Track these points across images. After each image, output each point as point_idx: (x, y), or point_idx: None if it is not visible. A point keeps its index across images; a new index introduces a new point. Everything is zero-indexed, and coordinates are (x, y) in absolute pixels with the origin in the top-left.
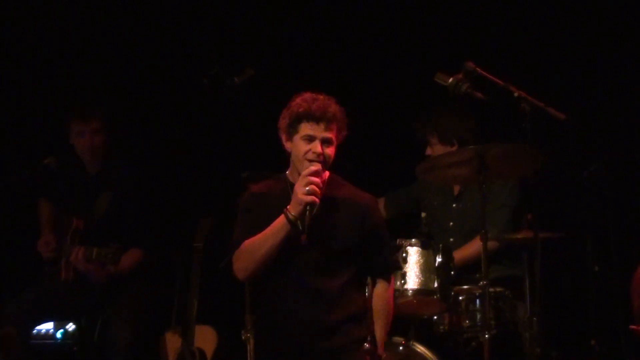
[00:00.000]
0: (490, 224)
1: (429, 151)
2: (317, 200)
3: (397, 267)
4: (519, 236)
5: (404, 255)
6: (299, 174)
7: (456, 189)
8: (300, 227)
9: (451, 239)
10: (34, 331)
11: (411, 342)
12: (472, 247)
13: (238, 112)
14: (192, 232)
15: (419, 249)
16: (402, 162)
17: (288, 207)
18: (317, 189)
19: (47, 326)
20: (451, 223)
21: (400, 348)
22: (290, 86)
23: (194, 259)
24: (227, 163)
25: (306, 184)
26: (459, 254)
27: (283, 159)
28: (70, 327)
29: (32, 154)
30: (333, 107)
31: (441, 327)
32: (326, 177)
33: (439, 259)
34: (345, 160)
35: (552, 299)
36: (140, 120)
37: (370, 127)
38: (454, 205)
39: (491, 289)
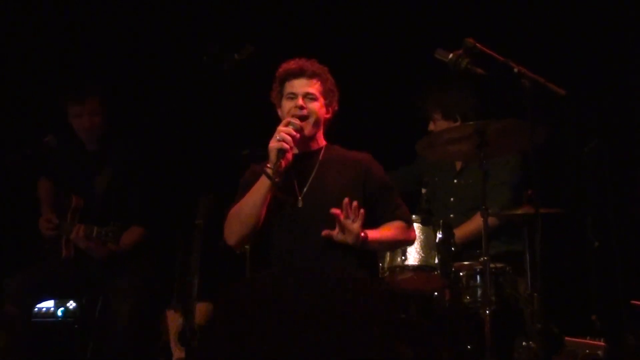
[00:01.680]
0: (491, 200)
1: (431, 127)
2: (285, 146)
3: (409, 218)
4: (519, 212)
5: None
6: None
7: (458, 164)
8: (273, 177)
9: (451, 215)
10: (35, 309)
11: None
12: (473, 224)
13: (238, 89)
14: (193, 209)
15: (420, 225)
16: (402, 139)
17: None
18: (286, 136)
19: (48, 304)
20: (452, 199)
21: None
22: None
23: (194, 236)
24: (228, 140)
25: (277, 132)
26: (460, 231)
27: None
28: (71, 305)
29: (32, 133)
30: (312, 64)
31: (442, 303)
32: (309, 130)
33: (439, 235)
34: (346, 137)
35: (553, 275)
36: (140, 98)
37: (371, 104)
38: (455, 181)
39: (492, 265)
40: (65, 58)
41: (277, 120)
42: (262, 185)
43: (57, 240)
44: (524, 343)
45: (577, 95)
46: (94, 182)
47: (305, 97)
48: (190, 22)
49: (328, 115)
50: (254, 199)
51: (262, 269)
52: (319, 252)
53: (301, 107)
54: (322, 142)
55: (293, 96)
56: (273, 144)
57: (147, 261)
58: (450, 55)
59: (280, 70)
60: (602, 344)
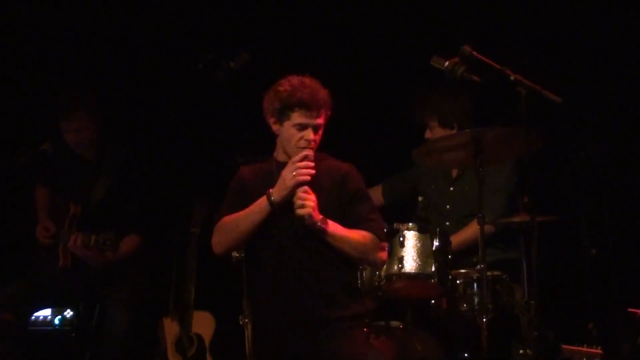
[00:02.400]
0: (487, 208)
1: (428, 134)
2: (307, 179)
3: (381, 234)
4: (516, 219)
5: (400, 239)
6: (287, 155)
7: (453, 172)
8: (276, 207)
9: (447, 223)
10: (32, 317)
11: (408, 326)
12: (468, 231)
13: (234, 96)
14: (189, 217)
15: (416, 232)
16: (398, 147)
17: (271, 189)
18: (305, 174)
19: (44, 312)
20: (447, 206)
21: (398, 332)
22: (285, 70)
23: (190, 244)
24: (223, 148)
25: (294, 169)
26: (456, 239)
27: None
28: (68, 313)
29: (28, 140)
30: (322, 93)
31: (438, 311)
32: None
33: (436, 243)
34: (342, 146)
35: (549, 282)
36: (137, 105)
37: (367, 112)
38: (450, 188)
39: (488, 273)
40: (61, 64)
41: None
42: (262, 210)
43: (55, 248)
44: (520, 351)
45: (573, 102)
46: (91, 190)
47: (314, 129)
48: (186, 30)
49: None
50: (252, 219)
51: (255, 278)
52: (302, 264)
53: (309, 141)
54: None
55: (302, 127)
56: (292, 180)
57: (143, 269)
58: (446, 63)
59: (291, 96)
60: (599, 351)
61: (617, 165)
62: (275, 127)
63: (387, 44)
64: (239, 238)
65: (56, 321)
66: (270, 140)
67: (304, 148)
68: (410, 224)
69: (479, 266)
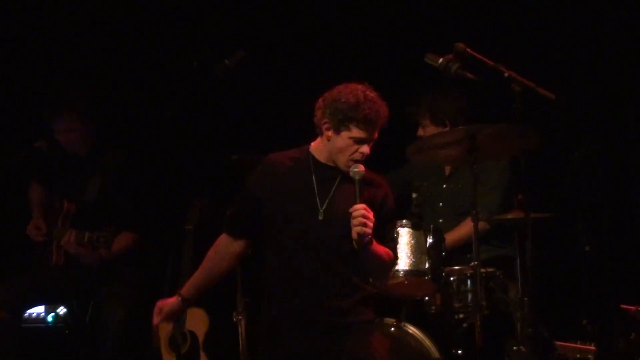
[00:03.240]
0: (481, 205)
1: (420, 132)
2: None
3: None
4: (510, 216)
5: (394, 235)
6: (331, 159)
7: (447, 169)
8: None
9: (440, 220)
10: (25, 315)
11: (402, 323)
12: (463, 229)
13: (229, 94)
14: (184, 214)
15: (410, 229)
16: (393, 143)
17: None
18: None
19: (38, 309)
20: (441, 204)
21: (392, 329)
22: (281, 67)
23: (185, 241)
24: (219, 145)
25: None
26: (450, 236)
27: (273, 141)
28: (62, 310)
29: (23, 138)
30: (384, 110)
31: (432, 308)
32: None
33: (430, 240)
34: None
35: (544, 279)
36: (132, 103)
37: None
38: (444, 185)
39: (482, 270)
40: (57, 62)
41: (269, 126)
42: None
43: (48, 245)
44: (514, 347)
45: (568, 99)
46: (85, 188)
47: (368, 144)
48: (182, 27)
49: None
50: None
51: (267, 274)
52: (328, 265)
53: (364, 155)
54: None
55: (360, 142)
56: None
57: (138, 267)
58: (440, 60)
59: (355, 109)
60: (593, 348)
61: (611, 162)
62: (328, 132)
63: (383, 42)
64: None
65: (49, 318)
66: (265, 136)
67: (357, 161)
68: (404, 221)
69: (472, 263)
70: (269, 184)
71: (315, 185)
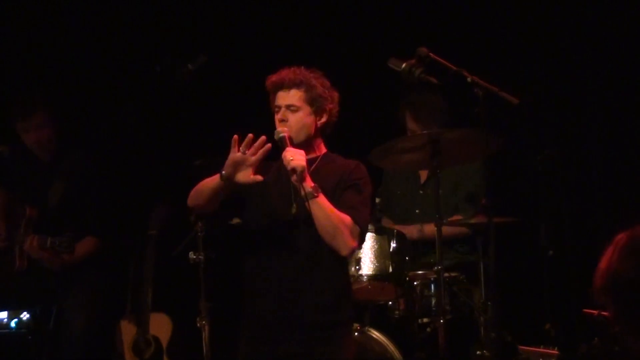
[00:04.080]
0: (463, 210)
1: (411, 126)
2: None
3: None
4: (473, 221)
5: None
6: None
7: (423, 175)
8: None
9: None
10: None
11: (366, 328)
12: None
13: (191, 98)
14: (146, 219)
15: (374, 234)
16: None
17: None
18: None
19: (1, 315)
20: (417, 210)
21: (356, 334)
22: (245, 72)
23: (148, 246)
24: (181, 151)
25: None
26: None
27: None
28: (25, 316)
29: None
30: (295, 72)
31: (396, 312)
32: (288, 147)
33: (393, 245)
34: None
35: (507, 284)
36: (93, 108)
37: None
38: (420, 192)
39: (446, 274)
40: (16, 67)
41: (231, 131)
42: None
43: (10, 250)
44: (478, 352)
45: (531, 103)
46: (47, 193)
47: (288, 109)
48: (144, 32)
49: (321, 122)
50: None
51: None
52: (302, 259)
53: (281, 120)
54: (321, 150)
55: (277, 109)
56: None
57: (101, 272)
58: (404, 65)
59: (266, 83)
60: (556, 352)
61: (574, 167)
62: None
63: (346, 45)
64: (202, 198)
65: (12, 324)
66: (228, 144)
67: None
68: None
69: (436, 267)
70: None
71: (291, 189)
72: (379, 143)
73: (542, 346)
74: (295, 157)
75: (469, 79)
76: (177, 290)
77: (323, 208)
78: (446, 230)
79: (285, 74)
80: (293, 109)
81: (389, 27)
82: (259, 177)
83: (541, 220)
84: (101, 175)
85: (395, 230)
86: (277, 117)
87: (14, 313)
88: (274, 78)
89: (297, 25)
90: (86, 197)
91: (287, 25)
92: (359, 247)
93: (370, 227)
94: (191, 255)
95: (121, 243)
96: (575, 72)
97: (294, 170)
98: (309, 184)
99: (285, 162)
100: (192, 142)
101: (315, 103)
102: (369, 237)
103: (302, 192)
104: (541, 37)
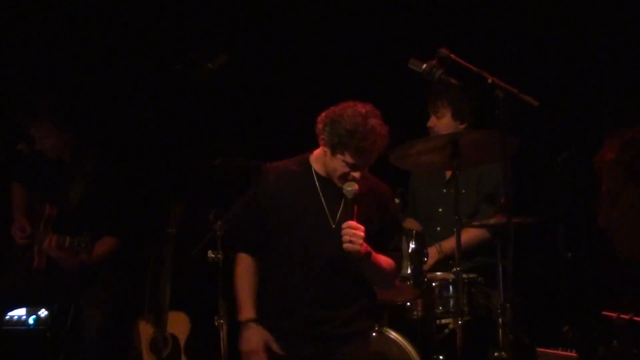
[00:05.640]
0: (481, 212)
1: (434, 122)
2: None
3: (401, 265)
4: (492, 222)
5: (399, 244)
6: (327, 172)
7: (447, 174)
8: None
9: (438, 228)
10: (6, 317)
11: (384, 329)
12: (465, 236)
13: (212, 97)
14: (165, 218)
15: None
16: None
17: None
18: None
19: (19, 312)
20: (440, 209)
21: (374, 334)
22: (265, 72)
23: (166, 245)
24: (201, 149)
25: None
26: (449, 244)
27: (256, 146)
28: (43, 313)
29: (3, 141)
30: (381, 141)
31: (414, 313)
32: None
33: (412, 245)
34: None
35: (525, 286)
36: (114, 107)
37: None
38: (444, 190)
39: (464, 276)
40: (39, 66)
41: (251, 131)
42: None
43: (29, 248)
44: (496, 354)
45: (551, 106)
46: (68, 192)
47: (360, 170)
48: (166, 31)
49: None
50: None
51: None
52: (334, 275)
53: (355, 178)
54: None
55: (352, 167)
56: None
57: (119, 270)
58: (424, 66)
59: (350, 134)
60: (574, 354)
61: (593, 169)
62: (325, 148)
63: (367, 46)
64: None
65: (30, 321)
66: (247, 141)
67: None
68: None
69: (454, 269)
70: (275, 194)
71: (322, 200)
72: (398, 144)
73: (560, 348)
74: (354, 240)
75: (489, 80)
76: (195, 289)
77: (374, 267)
78: (467, 239)
79: (377, 141)
80: (361, 171)
81: (409, 28)
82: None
83: (560, 222)
84: (120, 176)
85: (414, 231)
86: (352, 174)
87: (32, 310)
88: (367, 145)
89: (319, 26)
90: (105, 197)
91: (309, 27)
92: None
93: None
94: (210, 254)
95: (140, 242)
96: (595, 74)
97: (350, 253)
98: (363, 255)
99: (344, 240)
100: (211, 141)
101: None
102: None
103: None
104: (562, 39)
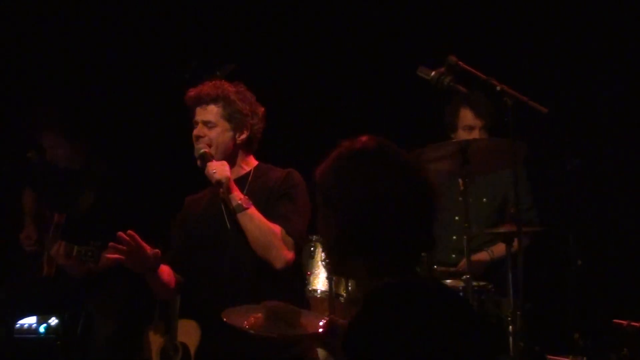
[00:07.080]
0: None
1: (462, 136)
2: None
3: (294, 233)
4: (502, 230)
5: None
6: None
7: (461, 182)
8: None
9: (454, 237)
10: (17, 325)
11: None
12: (497, 249)
13: None
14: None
15: None
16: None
17: None
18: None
19: (30, 320)
20: (456, 217)
21: None
22: (273, 79)
23: None
24: None
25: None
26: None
27: (260, 154)
28: (53, 321)
29: (13, 148)
30: (213, 87)
31: None
32: (218, 157)
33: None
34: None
35: (536, 293)
36: (122, 117)
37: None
38: (460, 198)
39: (474, 283)
40: (49, 73)
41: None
42: None
43: (39, 256)
44: None
45: (561, 113)
46: (76, 201)
47: (205, 125)
48: (173, 39)
49: (241, 138)
50: None
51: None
52: (245, 272)
53: (198, 137)
54: (250, 164)
55: (195, 125)
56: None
57: (129, 279)
58: (433, 73)
59: (185, 97)
60: None
61: (603, 176)
62: None
63: (375, 53)
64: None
65: (41, 329)
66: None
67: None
68: None
69: (464, 277)
70: (187, 217)
71: (222, 207)
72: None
73: (570, 356)
74: (218, 169)
75: (498, 88)
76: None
77: (253, 220)
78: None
79: (204, 88)
80: (210, 126)
81: (418, 36)
82: (156, 252)
83: (570, 229)
84: (130, 185)
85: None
86: (194, 133)
87: (42, 318)
88: (192, 93)
89: (327, 35)
90: (115, 207)
91: (316, 34)
92: (296, 258)
93: None
94: None
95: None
96: (607, 81)
97: (219, 182)
98: (237, 196)
99: (209, 177)
100: None
101: (233, 119)
102: None
103: (231, 205)
104: (571, 47)
